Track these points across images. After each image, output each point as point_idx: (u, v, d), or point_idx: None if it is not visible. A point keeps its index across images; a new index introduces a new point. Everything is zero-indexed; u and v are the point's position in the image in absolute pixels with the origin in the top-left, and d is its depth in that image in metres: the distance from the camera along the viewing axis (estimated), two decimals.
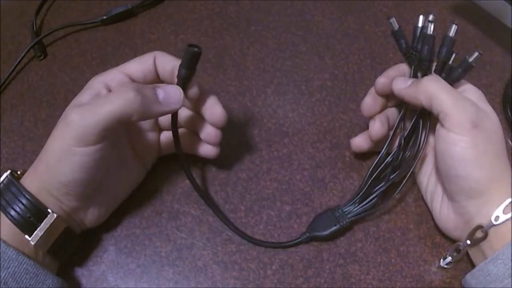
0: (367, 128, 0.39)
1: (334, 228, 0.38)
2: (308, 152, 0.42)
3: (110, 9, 0.49)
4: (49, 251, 0.33)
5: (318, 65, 0.47)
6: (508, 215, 0.32)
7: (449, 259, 0.36)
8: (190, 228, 0.39)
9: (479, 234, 0.33)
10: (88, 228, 0.37)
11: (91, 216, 0.36)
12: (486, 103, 0.35)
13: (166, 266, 0.37)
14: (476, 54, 0.35)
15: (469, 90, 0.36)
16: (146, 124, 0.38)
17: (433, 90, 0.34)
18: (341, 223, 0.38)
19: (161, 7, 0.51)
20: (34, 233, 0.32)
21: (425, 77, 0.35)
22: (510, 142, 0.41)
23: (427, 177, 0.39)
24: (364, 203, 0.38)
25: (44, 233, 0.32)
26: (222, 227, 0.39)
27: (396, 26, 0.38)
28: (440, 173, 0.36)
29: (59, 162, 0.32)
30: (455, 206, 0.35)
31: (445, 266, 0.37)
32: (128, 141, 0.38)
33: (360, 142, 0.40)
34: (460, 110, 0.33)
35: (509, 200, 0.32)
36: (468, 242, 0.34)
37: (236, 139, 0.43)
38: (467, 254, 0.36)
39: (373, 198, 0.38)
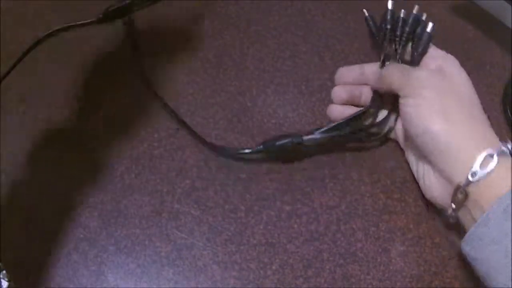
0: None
1: (285, 141, 0.39)
2: (308, 152, 0.42)
3: (106, 7, 0.49)
4: None
5: (318, 65, 0.47)
6: (486, 170, 0.30)
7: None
8: (190, 228, 0.39)
9: (460, 195, 0.32)
10: None
11: None
12: (454, 66, 0.37)
13: (166, 266, 0.37)
14: (431, 25, 0.40)
15: (437, 58, 0.38)
16: None
17: (386, 73, 0.38)
18: (293, 139, 0.39)
19: (161, 7, 0.51)
20: None
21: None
22: (510, 142, 0.41)
23: (409, 151, 0.40)
24: (325, 134, 0.40)
25: None
26: (222, 227, 0.39)
27: (367, 13, 0.43)
28: (411, 141, 0.38)
29: None
30: (433, 170, 0.35)
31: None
32: None
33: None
34: (407, 79, 0.36)
35: (483, 154, 0.31)
36: (453, 205, 0.33)
37: (236, 139, 0.43)
38: None
39: (334, 132, 0.40)
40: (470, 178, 0.31)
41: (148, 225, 0.39)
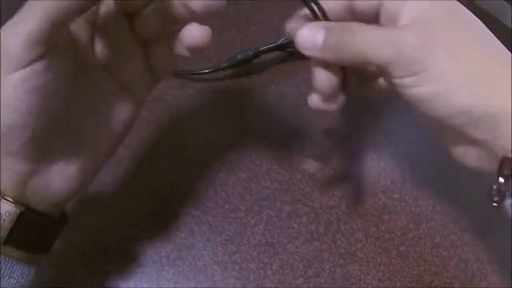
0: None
1: (248, 54, 0.43)
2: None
3: None
4: (6, 242, 0.25)
5: None
6: None
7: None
8: (190, 228, 0.39)
9: (507, 169, 0.24)
10: (69, 202, 0.27)
11: (61, 181, 0.26)
12: (449, 6, 0.27)
13: (166, 266, 0.37)
14: None
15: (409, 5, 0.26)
16: (122, 31, 0.27)
17: (359, 47, 0.26)
18: (252, 51, 0.43)
19: None
20: None
21: (339, 30, 0.26)
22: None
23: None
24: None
25: None
26: (222, 227, 0.39)
27: None
28: (435, 123, 0.27)
29: None
30: (471, 144, 0.26)
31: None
32: (93, 56, 0.27)
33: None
34: (397, 49, 0.25)
35: None
36: (501, 180, 0.24)
37: (236, 139, 0.43)
38: None
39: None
40: None
41: (148, 225, 0.39)
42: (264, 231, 0.39)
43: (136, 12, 0.27)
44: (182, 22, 0.28)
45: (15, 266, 0.25)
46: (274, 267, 0.37)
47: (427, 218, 0.39)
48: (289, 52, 0.47)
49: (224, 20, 0.50)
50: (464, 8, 0.27)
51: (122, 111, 0.29)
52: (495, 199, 0.25)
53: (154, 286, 0.37)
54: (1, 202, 0.24)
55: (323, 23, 0.28)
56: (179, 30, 0.28)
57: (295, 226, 0.39)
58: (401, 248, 0.38)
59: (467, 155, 0.27)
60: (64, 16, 0.23)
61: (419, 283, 0.37)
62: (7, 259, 0.25)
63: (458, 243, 0.38)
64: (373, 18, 0.27)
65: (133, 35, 0.28)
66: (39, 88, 0.23)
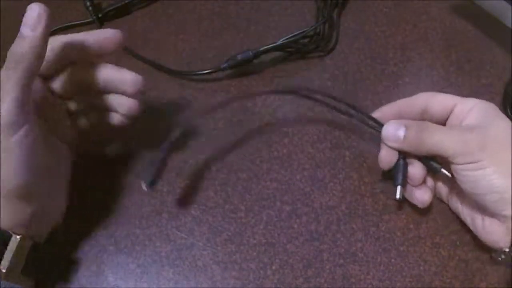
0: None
1: (248, 54, 0.43)
2: (308, 152, 0.42)
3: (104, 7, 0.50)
4: (22, 272, 0.32)
5: (318, 65, 0.47)
6: None
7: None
8: (190, 228, 0.39)
9: None
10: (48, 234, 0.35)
11: (55, 212, 0.35)
12: (494, 114, 0.36)
13: (166, 266, 0.37)
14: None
15: (475, 108, 0.36)
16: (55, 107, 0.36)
17: (433, 143, 0.35)
18: (252, 52, 0.43)
19: (160, 7, 0.51)
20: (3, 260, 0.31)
21: (417, 128, 0.36)
22: None
23: (459, 205, 0.38)
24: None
25: (12, 257, 0.31)
26: (222, 227, 0.39)
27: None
28: (473, 201, 0.36)
29: None
30: (497, 218, 0.34)
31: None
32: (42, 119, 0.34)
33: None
34: (463, 145, 0.34)
35: None
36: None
37: (236, 139, 0.43)
38: None
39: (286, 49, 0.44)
40: None
41: (148, 225, 0.39)
42: (264, 231, 0.39)
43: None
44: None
45: None
46: (274, 267, 0.37)
47: (427, 218, 0.39)
48: (289, 52, 0.47)
49: (224, 20, 0.50)
50: (502, 114, 0.36)
51: (64, 157, 0.37)
52: (499, 259, 0.35)
53: (154, 286, 0.37)
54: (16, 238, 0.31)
55: (404, 121, 0.37)
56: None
57: (295, 226, 0.39)
58: (401, 248, 0.38)
59: (490, 227, 0.35)
60: (31, 77, 0.30)
61: (419, 283, 0.37)
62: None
63: (458, 243, 0.38)
64: (440, 119, 0.38)
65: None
66: (34, 142, 0.30)
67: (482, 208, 0.35)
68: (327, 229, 0.39)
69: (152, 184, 0.35)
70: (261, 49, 0.44)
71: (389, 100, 0.40)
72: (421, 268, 0.37)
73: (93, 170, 0.41)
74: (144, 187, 0.35)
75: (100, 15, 0.49)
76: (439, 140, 0.35)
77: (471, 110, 0.36)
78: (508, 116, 0.43)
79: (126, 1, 0.49)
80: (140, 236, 0.38)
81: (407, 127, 0.36)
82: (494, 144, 0.34)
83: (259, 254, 0.38)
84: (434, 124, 0.36)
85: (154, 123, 0.43)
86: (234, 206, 0.40)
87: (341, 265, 0.38)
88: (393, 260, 0.38)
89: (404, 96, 0.39)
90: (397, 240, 0.39)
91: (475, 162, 0.33)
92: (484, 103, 0.37)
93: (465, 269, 0.37)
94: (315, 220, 0.39)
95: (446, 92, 0.38)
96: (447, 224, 0.39)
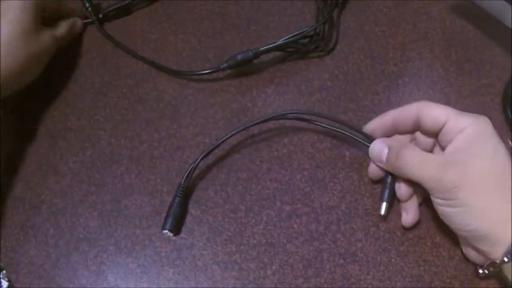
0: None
1: (248, 54, 0.43)
2: (308, 152, 0.42)
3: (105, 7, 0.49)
4: None
5: (318, 65, 0.47)
6: None
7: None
8: (190, 228, 0.39)
9: (493, 268, 0.34)
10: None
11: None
12: (485, 141, 0.34)
13: (166, 266, 0.37)
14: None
15: (467, 130, 0.34)
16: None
17: (410, 173, 0.35)
18: (252, 52, 0.43)
19: (161, 7, 0.51)
20: None
21: (396, 154, 0.36)
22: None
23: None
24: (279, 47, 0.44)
25: None
26: (222, 227, 0.39)
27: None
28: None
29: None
30: (473, 247, 0.35)
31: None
32: None
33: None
34: (439, 183, 0.33)
35: None
36: (485, 271, 0.35)
37: (236, 139, 0.43)
38: None
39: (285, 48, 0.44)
40: (505, 259, 0.32)
41: (148, 225, 0.39)
42: (264, 231, 0.39)
43: None
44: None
45: None
46: (274, 267, 0.37)
47: (427, 218, 0.39)
48: (289, 52, 0.47)
49: (224, 20, 0.50)
50: (495, 139, 0.34)
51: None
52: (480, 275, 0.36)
53: (154, 286, 0.37)
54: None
55: (387, 140, 0.37)
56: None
57: (295, 226, 0.39)
58: (401, 248, 0.38)
59: (470, 253, 0.36)
60: None
61: (419, 283, 0.37)
62: None
63: (458, 243, 0.38)
64: (432, 132, 0.37)
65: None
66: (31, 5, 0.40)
67: (462, 239, 0.36)
68: (327, 229, 0.39)
69: (173, 232, 0.38)
70: (261, 49, 0.44)
71: (389, 100, 0.40)
72: (421, 268, 0.37)
73: (92, 170, 0.41)
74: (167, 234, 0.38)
75: (100, 15, 0.49)
76: (416, 171, 0.35)
77: (463, 131, 0.34)
78: (508, 116, 0.43)
79: (126, 1, 0.49)
80: (140, 236, 0.38)
81: (389, 149, 0.36)
82: (473, 182, 0.33)
83: (259, 254, 0.38)
84: (415, 151, 0.36)
85: (154, 123, 0.44)
86: (234, 206, 0.40)
87: (341, 265, 0.38)
88: (393, 260, 0.38)
89: (403, 96, 0.39)
90: (397, 240, 0.39)
91: (450, 199, 0.33)
92: (478, 125, 0.34)
93: (465, 269, 0.37)
94: (315, 220, 0.39)
95: (445, 93, 0.38)
96: (447, 224, 0.39)
